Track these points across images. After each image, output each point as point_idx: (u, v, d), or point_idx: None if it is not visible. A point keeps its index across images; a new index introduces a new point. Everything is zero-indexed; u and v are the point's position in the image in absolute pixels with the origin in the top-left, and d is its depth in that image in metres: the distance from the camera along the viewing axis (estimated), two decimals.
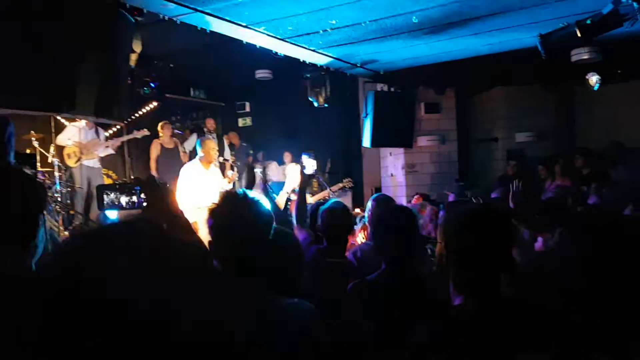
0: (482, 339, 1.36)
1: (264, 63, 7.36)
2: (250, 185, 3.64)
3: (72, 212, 6.94)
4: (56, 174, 6.76)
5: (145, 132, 7.69)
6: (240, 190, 1.84)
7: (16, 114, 3.64)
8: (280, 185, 7.32)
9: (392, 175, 8.83)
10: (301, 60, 6.06)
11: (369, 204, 3.75)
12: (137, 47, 4.57)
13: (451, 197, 5.08)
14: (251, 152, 9.76)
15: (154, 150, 8.16)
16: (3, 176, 1.40)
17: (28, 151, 6.69)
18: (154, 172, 8.09)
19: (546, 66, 6.28)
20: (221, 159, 6.06)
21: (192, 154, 8.00)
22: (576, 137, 9.02)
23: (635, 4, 3.90)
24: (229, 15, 4.39)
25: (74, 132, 7.01)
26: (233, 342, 1.46)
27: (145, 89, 7.18)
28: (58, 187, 6.70)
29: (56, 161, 6.84)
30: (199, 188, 5.56)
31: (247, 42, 5.14)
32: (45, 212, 1.58)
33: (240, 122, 10.65)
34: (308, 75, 6.96)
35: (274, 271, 1.73)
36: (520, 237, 3.53)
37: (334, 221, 2.96)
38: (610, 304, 1.37)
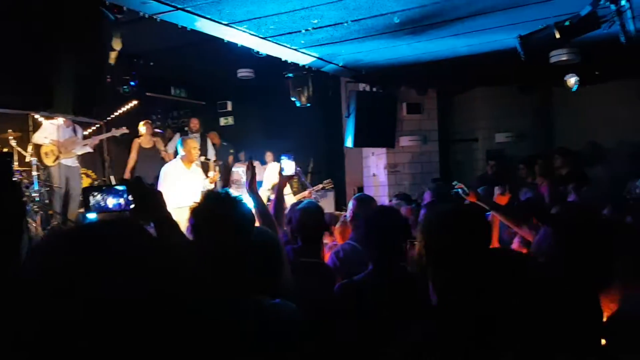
0: (461, 338, 1.36)
1: (246, 62, 7.33)
2: (226, 184, 3.61)
3: (50, 212, 6.84)
4: (34, 173, 6.65)
5: (124, 130, 7.61)
6: (222, 190, 1.83)
7: None
8: (261, 184, 7.32)
9: (374, 175, 8.86)
10: (283, 59, 6.05)
11: (350, 204, 3.76)
12: (117, 45, 4.51)
13: (427, 197, 5.10)
14: (232, 151, 9.72)
15: (134, 148, 8.10)
16: None
17: (5, 150, 6.57)
18: (127, 173, 8.04)
19: (525, 67, 6.36)
20: (202, 158, 6.02)
21: (176, 154, 7.96)
22: (555, 138, 9.15)
23: (612, 6, 3.97)
24: (210, 13, 4.35)
25: (50, 131, 6.90)
26: (216, 343, 1.45)
27: (125, 87, 7.09)
28: (36, 187, 6.60)
29: (34, 160, 6.73)
30: (180, 187, 5.52)
31: (228, 41, 5.12)
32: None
33: (222, 122, 10.60)
34: (290, 75, 6.95)
35: (255, 271, 1.73)
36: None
37: (307, 221, 2.95)
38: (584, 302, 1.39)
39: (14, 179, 1.45)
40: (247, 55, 5.65)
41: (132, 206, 1.84)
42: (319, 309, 2.34)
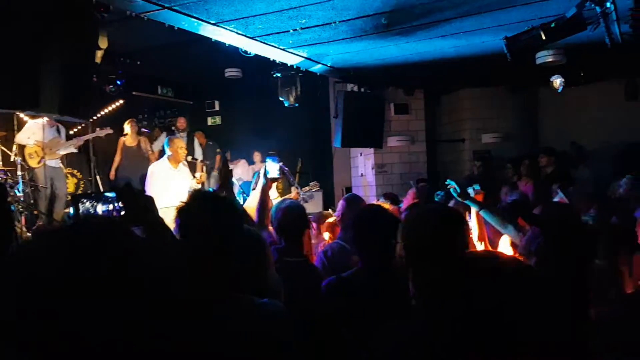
0: (438, 339, 1.37)
1: (234, 61, 7.31)
2: (224, 185, 3.57)
3: (35, 212, 6.77)
4: (19, 173, 6.58)
5: (109, 130, 7.55)
6: (209, 190, 1.83)
7: None
8: (249, 184, 7.31)
9: (362, 175, 8.88)
10: (271, 59, 6.04)
11: (340, 204, 3.77)
12: (103, 43, 4.47)
13: (409, 197, 5.11)
14: (218, 150, 9.68)
15: (118, 149, 8.05)
16: None
17: None
18: (112, 172, 8.00)
19: (512, 68, 6.41)
20: (189, 158, 5.99)
21: (161, 154, 7.91)
22: (541, 138, 9.25)
23: (597, 8, 4.02)
24: (197, 12, 4.33)
25: (34, 130, 6.82)
26: (203, 342, 1.45)
27: (111, 86, 7.03)
28: (21, 187, 6.52)
29: (19, 160, 6.66)
30: (167, 187, 5.48)
31: (215, 40, 5.10)
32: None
33: (210, 121, 10.55)
34: (278, 75, 6.94)
35: (241, 270, 1.72)
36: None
37: (288, 219, 2.96)
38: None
39: None
40: (234, 55, 5.64)
41: (122, 212, 1.83)
42: (306, 307, 2.34)
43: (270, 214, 3.15)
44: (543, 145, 8.60)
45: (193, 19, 4.46)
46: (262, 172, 3.30)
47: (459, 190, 3.36)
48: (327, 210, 7.16)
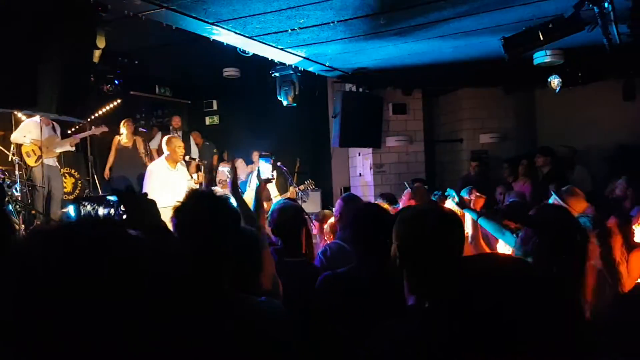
0: (434, 339, 1.37)
1: (232, 61, 7.31)
2: (209, 184, 3.56)
3: (33, 211, 6.75)
4: (16, 172, 6.56)
5: (104, 128, 7.55)
6: (205, 189, 1.83)
7: None
8: (247, 183, 7.30)
9: (360, 175, 8.89)
10: (269, 59, 6.04)
11: (337, 203, 3.77)
12: (101, 43, 4.47)
13: (405, 198, 5.11)
14: (215, 151, 9.67)
15: (114, 148, 8.05)
16: None
17: None
18: (107, 172, 7.99)
19: (510, 69, 6.42)
20: (187, 157, 5.99)
21: (159, 153, 7.90)
22: (539, 139, 9.26)
23: (595, 9, 4.03)
24: (195, 11, 4.33)
25: (30, 129, 6.80)
26: (203, 342, 1.45)
27: (109, 86, 7.03)
28: (19, 187, 6.51)
29: (17, 159, 6.64)
30: (164, 187, 5.48)
31: (213, 40, 5.10)
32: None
33: (208, 121, 10.55)
34: (277, 74, 6.94)
35: (240, 269, 1.72)
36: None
37: (285, 220, 2.96)
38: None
39: None
40: (233, 55, 5.64)
41: (124, 217, 1.83)
42: (306, 307, 2.34)
43: (267, 215, 3.15)
44: (541, 145, 8.61)
45: (191, 19, 4.46)
46: (255, 173, 3.30)
47: (458, 200, 3.38)
48: (326, 209, 7.17)
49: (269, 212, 3.11)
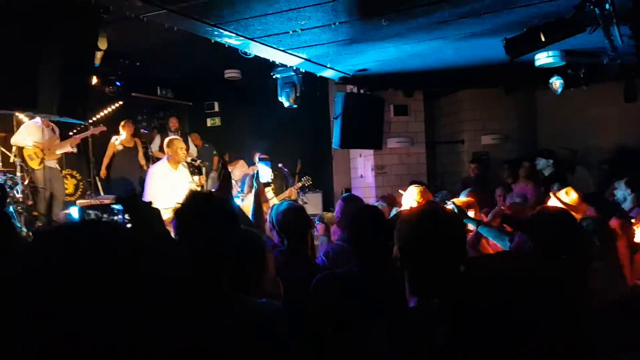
0: (436, 340, 1.37)
1: (233, 62, 7.31)
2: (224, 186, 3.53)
3: (35, 213, 6.76)
4: (18, 174, 6.57)
5: (102, 128, 7.56)
6: (205, 190, 1.83)
7: None
8: (244, 184, 7.29)
9: (361, 176, 8.89)
10: (271, 60, 6.04)
11: (337, 204, 3.77)
12: (103, 45, 4.47)
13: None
14: (214, 152, 9.67)
15: (110, 148, 8.04)
16: None
17: None
18: (103, 171, 7.99)
19: (511, 70, 6.42)
20: (189, 159, 5.98)
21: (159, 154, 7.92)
22: (540, 140, 9.25)
23: (597, 10, 4.02)
24: (197, 13, 4.34)
25: (31, 131, 6.80)
26: (203, 343, 1.45)
27: (111, 87, 7.03)
28: (20, 188, 6.51)
29: (18, 161, 6.65)
30: (166, 188, 5.47)
31: (215, 41, 5.10)
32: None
33: (209, 122, 10.55)
34: (278, 76, 6.94)
35: (239, 271, 1.72)
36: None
37: (291, 221, 2.95)
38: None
39: None
40: (234, 56, 5.64)
41: (127, 225, 1.83)
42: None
43: (269, 217, 3.15)
44: (543, 146, 8.60)
45: (193, 20, 4.46)
46: (250, 176, 3.30)
47: (456, 211, 3.38)
48: (327, 211, 7.17)
49: (272, 214, 3.10)
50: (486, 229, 3.22)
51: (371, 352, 1.44)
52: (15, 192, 6.39)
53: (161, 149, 8.05)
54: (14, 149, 6.78)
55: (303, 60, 6.14)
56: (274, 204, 3.99)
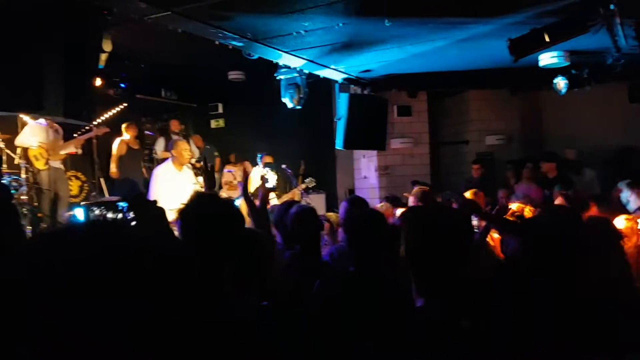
0: (443, 341, 1.37)
1: (237, 64, 7.32)
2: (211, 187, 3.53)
3: (39, 214, 6.78)
4: (22, 175, 6.59)
5: (106, 129, 7.57)
6: (209, 192, 1.84)
7: None
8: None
9: (365, 177, 8.88)
10: (274, 61, 6.05)
11: (342, 206, 3.77)
12: (107, 47, 4.49)
13: (411, 201, 5.10)
14: (216, 154, 9.68)
15: (119, 149, 8.04)
16: None
17: None
18: (114, 171, 7.99)
19: (515, 70, 6.40)
20: (193, 160, 6.00)
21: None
22: (545, 140, 9.23)
23: (601, 10, 4.02)
24: (200, 15, 4.35)
25: (36, 132, 6.82)
26: (204, 343, 1.45)
27: (116, 89, 7.06)
28: (25, 189, 6.54)
29: (23, 163, 6.67)
30: (171, 190, 5.49)
31: (220, 43, 5.11)
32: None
33: (213, 124, 10.56)
34: (281, 77, 6.95)
35: (242, 272, 1.73)
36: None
37: (304, 223, 2.94)
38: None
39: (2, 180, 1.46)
40: (238, 57, 5.65)
41: (132, 223, 1.85)
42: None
43: (272, 217, 3.15)
44: (547, 146, 8.58)
45: (196, 22, 4.47)
46: (251, 179, 3.31)
47: (466, 205, 3.39)
48: (330, 212, 7.17)
49: (277, 214, 3.10)
50: (492, 224, 3.22)
51: (378, 354, 1.43)
52: (20, 193, 6.41)
53: (165, 150, 8.07)
54: (18, 150, 6.80)
55: (306, 61, 6.15)
56: (275, 204, 3.99)
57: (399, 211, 4.57)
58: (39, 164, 6.79)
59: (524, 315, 1.57)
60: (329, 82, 8.02)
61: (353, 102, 7.48)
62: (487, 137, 9.04)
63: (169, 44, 6.05)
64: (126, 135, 8.06)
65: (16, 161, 6.76)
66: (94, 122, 7.54)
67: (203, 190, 6.04)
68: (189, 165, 6.13)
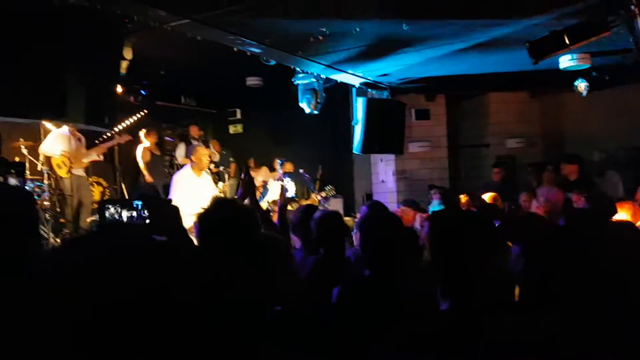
0: (468, 344, 1.36)
1: (255, 70, 7.37)
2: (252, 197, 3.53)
3: (62, 220, 6.89)
4: (45, 182, 6.71)
5: (128, 137, 7.67)
6: (227, 197, 1.86)
7: (4, 121, 3.62)
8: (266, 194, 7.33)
9: (383, 181, 8.86)
10: (292, 67, 6.07)
11: (362, 210, 3.77)
12: (128, 54, 4.56)
13: (433, 204, 5.07)
14: (231, 159, 9.74)
15: (144, 156, 8.14)
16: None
17: (17, 159, 6.63)
18: (148, 178, 8.08)
19: (535, 72, 6.34)
20: (212, 165, 6.06)
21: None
22: (566, 143, 9.10)
23: (621, 11, 3.97)
24: (219, 23, 4.39)
25: (59, 140, 6.94)
26: (213, 346, 1.46)
27: (136, 96, 7.15)
28: (47, 196, 6.65)
29: (45, 169, 6.78)
30: (191, 195, 5.55)
31: (238, 49, 5.15)
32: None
33: (231, 129, 10.64)
34: (299, 82, 6.97)
35: (258, 276, 1.73)
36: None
37: (329, 228, 2.92)
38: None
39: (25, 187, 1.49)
40: (255, 64, 5.68)
41: (147, 220, 1.87)
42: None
43: (291, 219, 3.16)
44: (568, 149, 8.46)
45: (215, 29, 4.51)
46: (273, 188, 3.33)
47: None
48: (348, 217, 7.16)
49: (298, 217, 3.11)
50: None
51: (390, 355, 1.43)
52: (42, 199, 6.52)
53: (186, 156, 8.16)
54: (41, 157, 6.92)
55: (324, 66, 6.16)
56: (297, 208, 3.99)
57: (419, 215, 4.56)
58: (62, 172, 6.91)
59: (547, 316, 1.55)
60: (346, 86, 8.03)
61: (370, 106, 7.48)
62: (507, 140, 8.95)
63: (187, 50, 6.11)
64: (147, 142, 8.16)
65: (39, 167, 6.88)
66: (115, 129, 7.65)
67: (223, 195, 6.12)
68: (208, 170, 6.19)
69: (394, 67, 6.54)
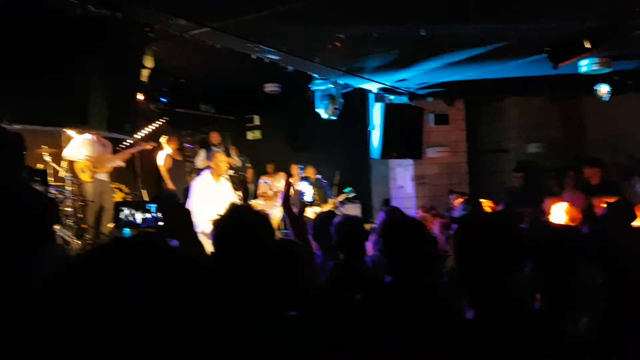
0: (494, 352, 1.35)
1: (273, 76, 7.42)
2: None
3: (84, 225, 6.99)
4: (67, 188, 6.82)
5: (153, 143, 7.77)
6: (243, 203, 1.88)
7: (27, 129, 3.68)
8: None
9: (401, 187, 8.82)
10: (309, 73, 6.10)
11: (379, 216, 3.76)
12: (149, 62, 4.61)
13: (458, 210, 5.02)
14: (248, 165, 9.79)
15: (166, 162, 8.24)
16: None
17: (40, 166, 6.74)
18: (169, 184, 8.18)
19: (555, 76, 6.27)
20: (231, 171, 6.11)
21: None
22: (588, 148, 8.97)
23: None
24: (238, 32, 4.43)
25: (84, 145, 7.05)
26: (228, 352, 1.46)
27: (157, 104, 7.25)
28: (70, 202, 6.76)
29: (68, 176, 6.89)
30: (210, 200, 5.60)
31: (256, 56, 5.19)
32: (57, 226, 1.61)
33: (250, 136, 10.71)
34: (316, 88, 6.99)
35: (275, 282, 1.74)
36: None
37: (349, 233, 2.91)
38: None
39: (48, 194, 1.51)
40: (274, 70, 5.72)
41: (160, 223, 1.89)
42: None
43: (313, 229, 3.16)
44: (589, 154, 8.34)
45: (234, 37, 4.56)
46: (292, 193, 3.33)
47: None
48: (366, 222, 7.14)
49: (318, 222, 3.12)
50: None
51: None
52: (63, 205, 6.63)
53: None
54: (63, 163, 7.03)
55: (341, 72, 6.17)
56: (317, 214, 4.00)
57: (437, 221, 4.53)
58: (85, 177, 7.01)
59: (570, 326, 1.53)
60: (363, 91, 8.03)
61: (388, 112, 7.46)
62: (527, 145, 8.85)
63: (206, 58, 6.18)
64: (168, 149, 8.26)
65: (61, 174, 6.99)
66: (136, 136, 7.76)
67: (241, 201, 6.15)
68: (227, 176, 6.24)
69: (412, 72, 6.53)
